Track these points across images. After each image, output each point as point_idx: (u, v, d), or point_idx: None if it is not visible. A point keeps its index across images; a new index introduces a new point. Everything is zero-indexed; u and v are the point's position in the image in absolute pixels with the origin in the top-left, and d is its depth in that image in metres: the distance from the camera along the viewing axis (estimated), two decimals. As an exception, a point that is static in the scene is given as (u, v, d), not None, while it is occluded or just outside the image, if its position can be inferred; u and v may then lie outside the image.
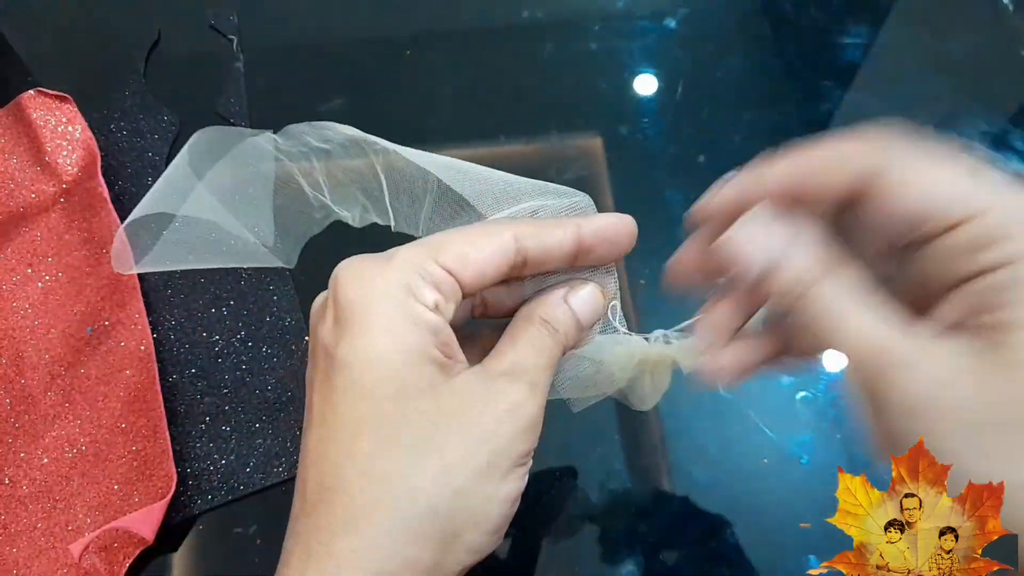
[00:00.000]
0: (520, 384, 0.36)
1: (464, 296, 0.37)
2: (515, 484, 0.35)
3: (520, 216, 0.38)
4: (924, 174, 0.32)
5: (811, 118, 0.69)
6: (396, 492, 0.33)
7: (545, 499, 0.54)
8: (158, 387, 0.54)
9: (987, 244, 0.30)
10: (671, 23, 0.74)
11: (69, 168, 0.62)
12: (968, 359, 0.29)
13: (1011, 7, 0.74)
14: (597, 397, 0.43)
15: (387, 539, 0.33)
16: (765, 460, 0.54)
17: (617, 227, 0.39)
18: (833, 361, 0.57)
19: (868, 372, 0.30)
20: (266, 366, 0.57)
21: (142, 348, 0.56)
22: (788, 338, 0.37)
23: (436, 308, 0.35)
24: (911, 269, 0.34)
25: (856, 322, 0.31)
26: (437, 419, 0.34)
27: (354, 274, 0.36)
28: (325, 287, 0.60)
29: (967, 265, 0.30)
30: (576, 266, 0.39)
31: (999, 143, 0.67)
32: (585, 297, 0.39)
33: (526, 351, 0.37)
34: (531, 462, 0.36)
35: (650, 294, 0.60)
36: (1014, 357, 0.28)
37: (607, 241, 0.38)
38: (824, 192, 0.34)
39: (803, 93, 0.70)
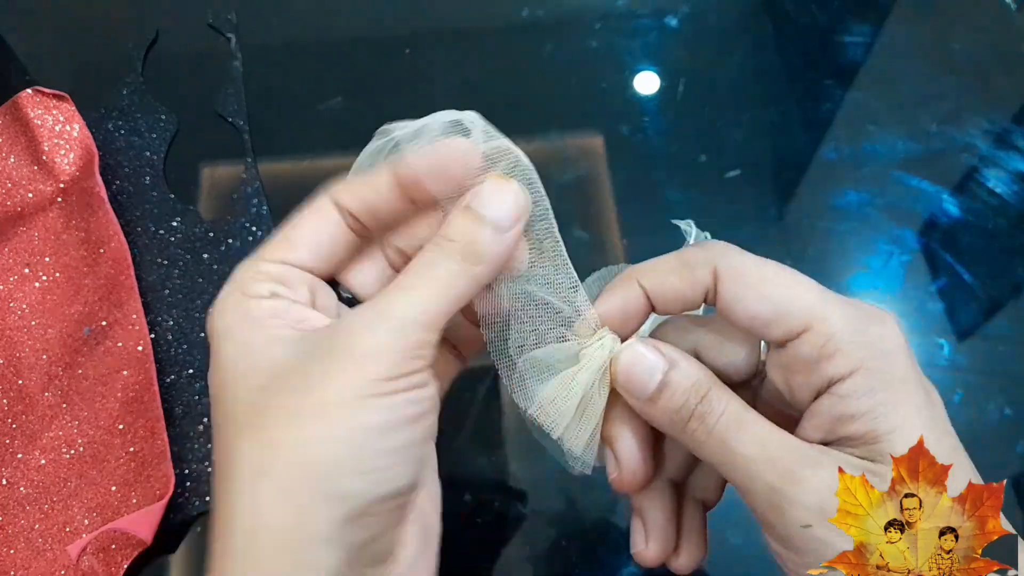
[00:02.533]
0: (381, 328, 0.32)
1: (328, 276, 0.37)
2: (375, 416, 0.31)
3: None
4: (760, 282, 0.35)
5: (812, 117, 0.69)
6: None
7: (545, 500, 0.53)
8: (156, 388, 0.54)
9: (830, 354, 0.33)
10: (672, 21, 0.74)
11: (66, 167, 0.62)
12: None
13: (1013, 6, 0.74)
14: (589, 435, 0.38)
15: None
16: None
17: (442, 156, 0.36)
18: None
19: (769, 480, 0.32)
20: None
21: (140, 349, 0.56)
22: (689, 448, 0.37)
23: (274, 295, 0.34)
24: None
25: (757, 432, 0.34)
26: (291, 402, 0.31)
27: (210, 313, 0.35)
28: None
29: (824, 369, 0.33)
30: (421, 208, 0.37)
31: (1001, 142, 0.66)
32: (490, 193, 0.35)
33: (399, 287, 0.33)
34: (406, 393, 0.32)
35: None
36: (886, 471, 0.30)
37: (433, 173, 0.35)
38: (677, 310, 0.38)
39: (805, 92, 0.70)
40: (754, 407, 0.35)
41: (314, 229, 0.36)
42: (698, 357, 0.37)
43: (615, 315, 0.38)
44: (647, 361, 0.36)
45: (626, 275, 0.38)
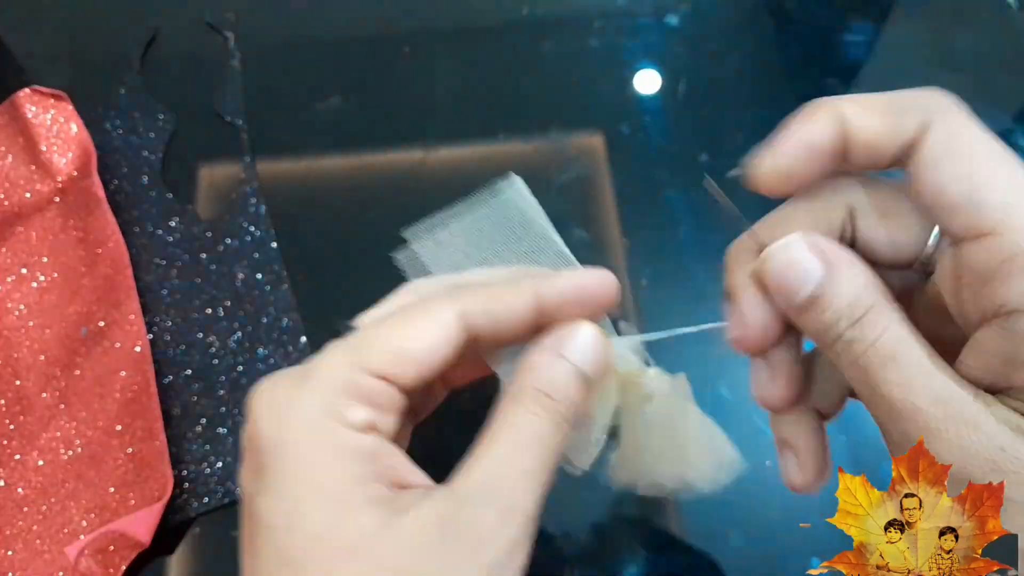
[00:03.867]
0: (491, 510, 0.28)
1: (409, 398, 0.31)
2: None
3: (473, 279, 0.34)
4: (971, 157, 0.28)
5: (813, 116, 0.68)
6: None
7: (544, 501, 0.53)
8: (154, 388, 0.54)
9: (1010, 273, 0.26)
10: (672, 20, 0.74)
11: (64, 167, 0.61)
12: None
13: (1015, 5, 0.73)
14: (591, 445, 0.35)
15: None
16: (768, 462, 0.53)
17: (588, 287, 0.33)
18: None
19: (907, 430, 0.27)
20: (262, 367, 0.57)
21: (138, 349, 0.56)
22: (822, 379, 0.33)
23: (370, 428, 0.29)
24: (926, 281, 0.31)
25: (909, 372, 0.27)
26: None
27: (267, 404, 0.29)
28: (321, 287, 0.60)
29: (996, 292, 0.26)
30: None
31: (1003, 141, 0.66)
32: (585, 342, 0.32)
33: (505, 453, 0.29)
34: None
35: (652, 295, 0.60)
36: None
37: (577, 304, 0.33)
38: (874, 145, 0.30)
39: (806, 91, 0.70)
40: (909, 312, 0.29)
41: (429, 348, 0.30)
42: (852, 221, 0.31)
43: (796, 150, 0.31)
44: (801, 267, 0.29)
45: (821, 104, 0.31)
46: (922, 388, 0.27)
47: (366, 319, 0.34)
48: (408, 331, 0.30)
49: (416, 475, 0.30)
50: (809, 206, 0.32)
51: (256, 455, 0.29)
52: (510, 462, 0.29)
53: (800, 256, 0.30)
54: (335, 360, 0.30)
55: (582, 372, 0.31)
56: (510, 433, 0.30)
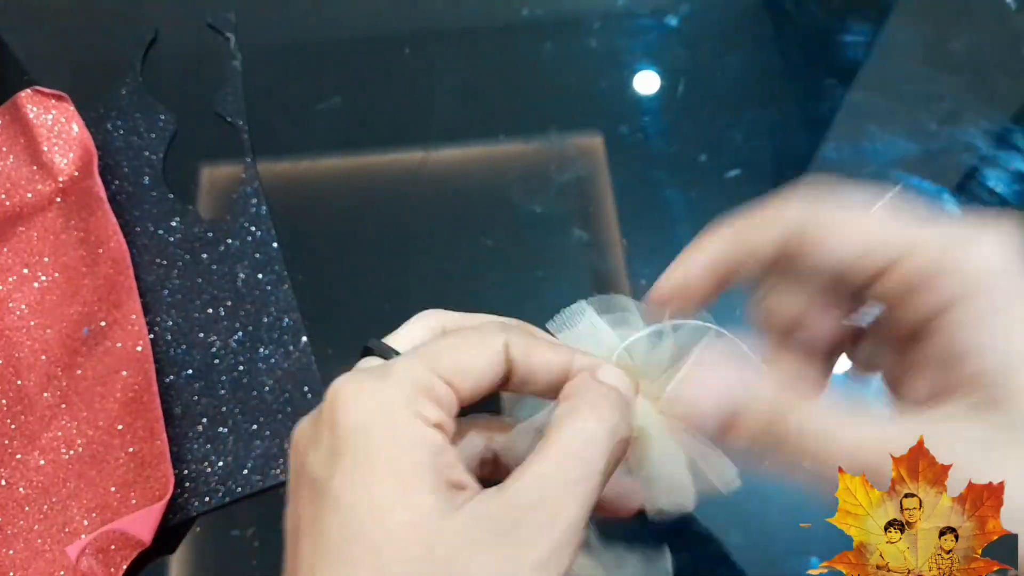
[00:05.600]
0: (539, 514, 0.29)
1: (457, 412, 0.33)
2: None
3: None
4: (846, 222, 0.32)
5: (813, 117, 0.69)
6: None
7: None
8: (155, 388, 0.54)
9: (922, 283, 0.29)
10: (672, 21, 0.74)
11: (65, 167, 0.62)
12: (975, 430, 0.27)
13: (1013, 6, 0.73)
14: None
15: None
16: (767, 461, 0.53)
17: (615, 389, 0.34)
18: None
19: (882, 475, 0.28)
20: (263, 367, 0.57)
21: (139, 349, 0.56)
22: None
23: (440, 426, 0.31)
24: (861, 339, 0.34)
25: (851, 432, 0.29)
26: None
27: (353, 393, 0.31)
28: (322, 288, 0.60)
29: (911, 311, 0.30)
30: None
31: (1001, 141, 0.66)
32: (614, 374, 0.34)
33: (554, 462, 0.30)
34: None
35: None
36: (1015, 411, 0.27)
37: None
38: (757, 254, 0.34)
39: (805, 92, 0.70)
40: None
41: (484, 367, 0.33)
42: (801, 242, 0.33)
43: (672, 294, 0.36)
44: (706, 404, 0.32)
45: (695, 243, 0.35)
46: (872, 440, 0.28)
47: (393, 342, 0.37)
48: (469, 350, 0.33)
49: (470, 479, 0.31)
50: (755, 223, 0.34)
51: (334, 440, 0.30)
52: (558, 470, 0.30)
53: (697, 395, 0.33)
54: (411, 362, 0.32)
55: (622, 394, 0.33)
56: (560, 442, 0.31)
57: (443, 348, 0.33)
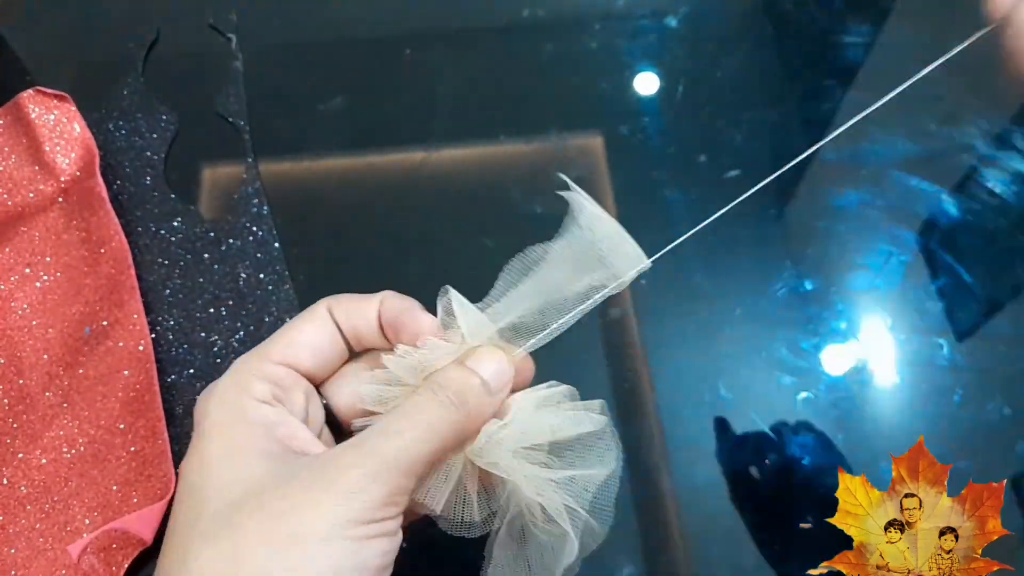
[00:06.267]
0: (356, 456, 0.33)
1: (317, 382, 0.39)
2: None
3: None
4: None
5: (812, 117, 0.69)
6: None
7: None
8: (157, 387, 0.54)
9: None
10: (672, 22, 0.74)
11: (67, 167, 0.62)
12: None
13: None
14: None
15: None
16: (766, 460, 0.53)
17: (408, 311, 0.39)
18: (833, 363, 0.56)
19: None
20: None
21: (140, 348, 0.56)
22: None
23: (273, 400, 0.35)
24: None
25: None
26: (265, 523, 0.31)
27: (206, 393, 0.36)
28: (323, 289, 0.60)
29: None
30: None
31: (1001, 142, 0.67)
32: (484, 356, 0.37)
33: (387, 425, 0.34)
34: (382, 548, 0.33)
35: (651, 294, 0.60)
36: None
37: (406, 326, 0.38)
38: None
39: (804, 92, 0.70)
40: None
41: (315, 334, 0.38)
42: None
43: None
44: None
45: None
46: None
47: None
48: (298, 325, 0.38)
49: (316, 445, 0.36)
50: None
51: (195, 432, 0.35)
52: (389, 438, 0.33)
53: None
54: (248, 355, 0.38)
55: (480, 376, 0.36)
56: (397, 413, 0.35)
57: (276, 335, 0.38)
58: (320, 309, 0.39)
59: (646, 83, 0.70)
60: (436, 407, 0.35)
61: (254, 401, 0.35)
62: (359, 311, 0.39)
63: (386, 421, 0.34)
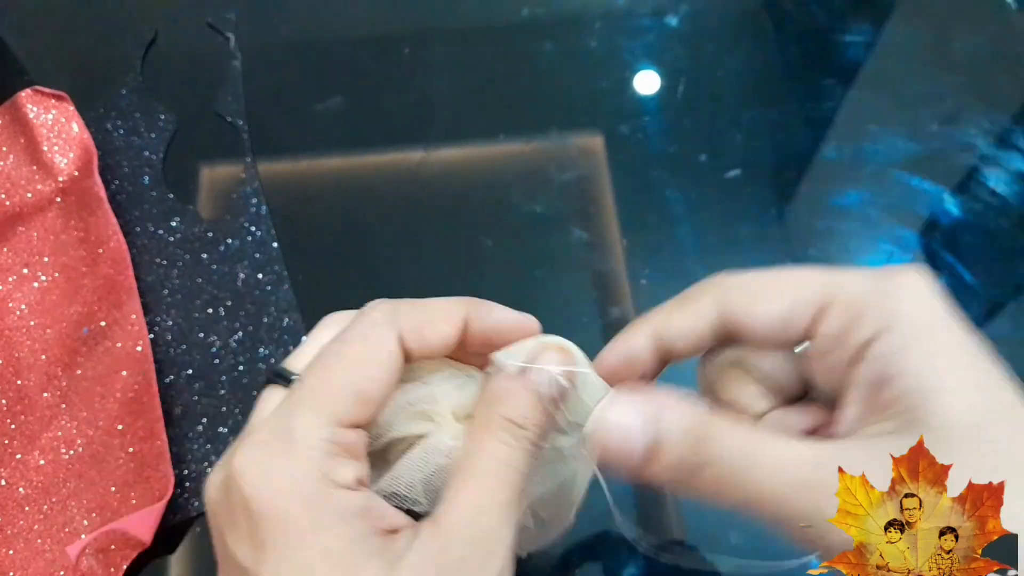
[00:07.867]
0: (478, 547, 0.29)
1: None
2: None
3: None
4: (763, 293, 0.33)
5: (813, 117, 0.69)
6: None
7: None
8: (155, 388, 0.54)
9: (852, 324, 0.31)
10: (672, 21, 0.74)
11: (65, 167, 0.61)
12: (893, 448, 0.28)
13: (1014, 5, 0.73)
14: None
15: None
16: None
17: (515, 324, 0.35)
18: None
19: (803, 498, 0.29)
20: (263, 367, 0.57)
21: (139, 349, 0.56)
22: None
23: (358, 483, 0.30)
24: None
25: (773, 452, 0.30)
26: None
27: (258, 473, 0.29)
28: (322, 289, 0.60)
29: (846, 355, 0.31)
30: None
31: (1001, 142, 0.66)
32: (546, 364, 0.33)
33: (482, 487, 0.30)
34: None
35: (651, 294, 0.60)
36: (934, 423, 0.28)
37: (501, 340, 0.35)
38: (688, 346, 0.35)
39: (805, 92, 0.70)
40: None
41: (385, 377, 0.31)
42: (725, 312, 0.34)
43: (618, 365, 0.35)
44: (623, 427, 0.31)
45: (631, 324, 0.35)
46: (798, 463, 0.29)
47: (299, 360, 0.35)
48: (361, 370, 0.31)
49: (398, 516, 0.31)
50: (682, 307, 0.35)
51: (253, 528, 0.28)
52: (489, 496, 0.30)
53: (617, 419, 0.32)
54: (308, 420, 0.30)
55: (541, 394, 0.32)
56: (484, 465, 0.31)
57: (334, 384, 0.31)
58: (388, 342, 0.32)
59: (646, 82, 0.70)
60: (520, 455, 0.31)
61: (343, 491, 0.29)
62: (440, 339, 0.33)
63: (474, 506, 0.30)
